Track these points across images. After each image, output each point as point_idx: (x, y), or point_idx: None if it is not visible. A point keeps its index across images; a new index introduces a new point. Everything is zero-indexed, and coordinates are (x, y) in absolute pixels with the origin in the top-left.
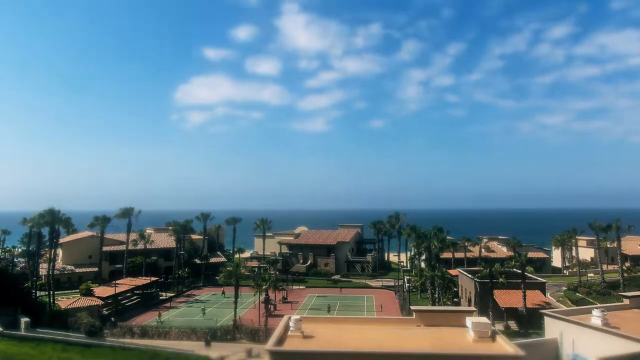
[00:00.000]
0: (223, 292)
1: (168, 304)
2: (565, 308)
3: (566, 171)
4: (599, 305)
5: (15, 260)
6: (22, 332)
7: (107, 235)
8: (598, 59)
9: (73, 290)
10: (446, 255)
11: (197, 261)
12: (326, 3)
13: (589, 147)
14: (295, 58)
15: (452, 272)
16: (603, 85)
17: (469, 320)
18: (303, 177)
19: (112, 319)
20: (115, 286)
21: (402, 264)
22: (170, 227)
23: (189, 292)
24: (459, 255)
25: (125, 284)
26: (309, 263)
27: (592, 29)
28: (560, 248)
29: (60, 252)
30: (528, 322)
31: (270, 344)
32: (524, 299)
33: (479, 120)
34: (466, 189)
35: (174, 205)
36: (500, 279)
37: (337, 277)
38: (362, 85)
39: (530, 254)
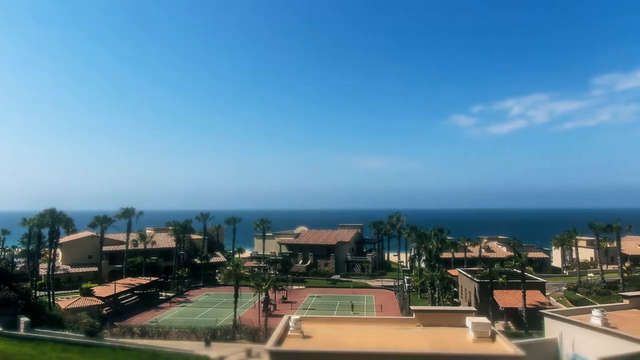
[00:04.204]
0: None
1: (167, 304)
2: (565, 308)
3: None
4: (598, 305)
5: (15, 260)
6: (22, 332)
7: (107, 235)
8: None
9: (73, 290)
10: (446, 255)
11: (197, 261)
12: None
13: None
14: None
15: (452, 272)
16: None
17: (469, 320)
18: None
19: (110, 318)
20: (115, 286)
21: (402, 264)
22: (170, 227)
23: (188, 292)
24: (459, 255)
25: (125, 284)
26: (308, 263)
27: None
28: (560, 248)
29: (60, 252)
30: (528, 322)
31: (270, 344)
32: (524, 299)
33: None
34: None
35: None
36: (500, 279)
37: (337, 277)
38: None
39: (530, 254)
